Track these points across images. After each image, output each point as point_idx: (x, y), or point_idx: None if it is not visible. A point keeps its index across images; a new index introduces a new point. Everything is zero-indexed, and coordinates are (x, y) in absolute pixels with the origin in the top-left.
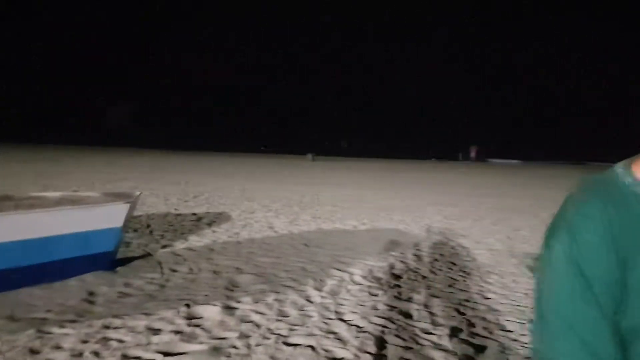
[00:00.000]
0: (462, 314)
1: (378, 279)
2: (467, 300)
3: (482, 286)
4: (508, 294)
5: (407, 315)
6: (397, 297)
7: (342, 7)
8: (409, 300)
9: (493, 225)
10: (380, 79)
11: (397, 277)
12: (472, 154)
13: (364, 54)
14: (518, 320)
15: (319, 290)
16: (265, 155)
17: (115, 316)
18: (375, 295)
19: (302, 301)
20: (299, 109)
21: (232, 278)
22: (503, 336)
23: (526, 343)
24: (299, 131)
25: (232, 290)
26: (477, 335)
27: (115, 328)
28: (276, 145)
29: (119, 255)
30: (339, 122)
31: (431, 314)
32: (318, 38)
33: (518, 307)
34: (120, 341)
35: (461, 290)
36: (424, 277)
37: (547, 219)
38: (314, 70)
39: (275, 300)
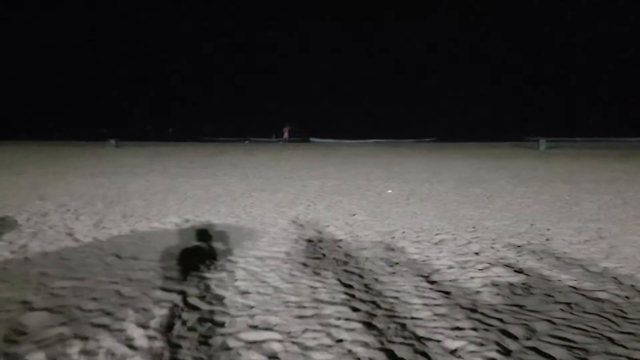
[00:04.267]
0: None
1: (220, 298)
2: None
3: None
4: None
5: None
6: (253, 326)
7: None
8: (267, 328)
9: (327, 211)
10: (189, 58)
11: (245, 293)
12: (286, 135)
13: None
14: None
15: (144, 326)
16: (59, 142)
17: None
18: (223, 324)
19: (122, 348)
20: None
21: (15, 320)
22: None
23: None
24: (98, 114)
25: (14, 343)
26: None
27: None
28: (72, 129)
29: None
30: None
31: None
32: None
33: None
34: None
35: None
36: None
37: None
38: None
39: (82, 352)
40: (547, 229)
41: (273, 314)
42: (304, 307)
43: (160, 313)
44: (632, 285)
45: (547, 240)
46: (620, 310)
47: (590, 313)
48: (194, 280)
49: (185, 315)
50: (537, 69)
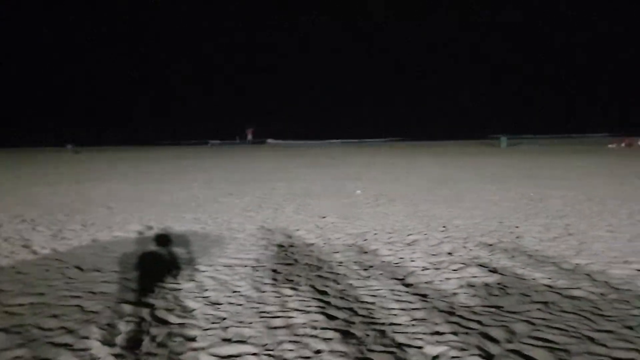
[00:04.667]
0: None
1: (190, 310)
2: None
3: None
4: None
5: None
6: (226, 340)
7: None
8: (241, 341)
9: (296, 214)
10: (159, 64)
11: (216, 303)
12: (249, 136)
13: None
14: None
15: (110, 343)
16: (15, 148)
17: None
18: (194, 339)
19: None
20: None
21: None
22: None
23: None
24: (57, 119)
25: None
26: None
27: None
28: (29, 134)
29: None
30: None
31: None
32: None
33: None
34: None
35: None
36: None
37: None
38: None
39: None
40: (516, 227)
41: (246, 326)
42: (279, 317)
43: (126, 329)
44: (606, 282)
45: (517, 238)
46: (597, 308)
47: (567, 312)
48: (162, 291)
49: (153, 330)
50: (497, 69)
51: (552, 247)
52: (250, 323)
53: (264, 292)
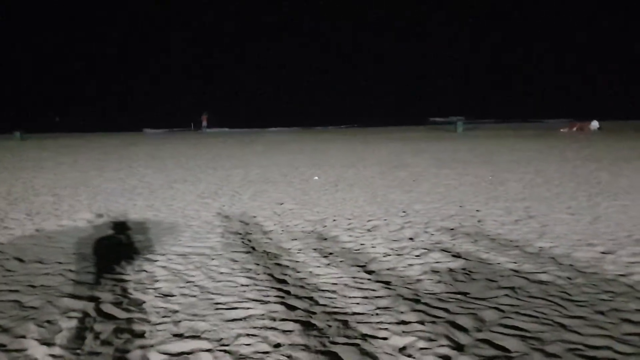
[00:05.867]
0: None
1: (139, 303)
2: None
3: None
4: None
5: None
6: (178, 335)
7: None
8: (195, 336)
9: (253, 201)
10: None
11: (167, 295)
12: (204, 123)
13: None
14: None
15: (48, 343)
16: None
17: None
18: (143, 335)
19: None
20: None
21: None
22: None
23: None
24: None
25: None
26: None
27: None
28: None
29: None
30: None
31: None
32: None
33: None
34: None
35: None
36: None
37: None
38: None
39: None
40: (477, 210)
41: (201, 319)
42: (235, 309)
43: (68, 325)
44: (571, 265)
45: (478, 221)
46: (565, 293)
47: (536, 297)
48: (109, 283)
49: (98, 327)
50: (450, 54)
51: (514, 231)
52: (205, 316)
53: (219, 282)
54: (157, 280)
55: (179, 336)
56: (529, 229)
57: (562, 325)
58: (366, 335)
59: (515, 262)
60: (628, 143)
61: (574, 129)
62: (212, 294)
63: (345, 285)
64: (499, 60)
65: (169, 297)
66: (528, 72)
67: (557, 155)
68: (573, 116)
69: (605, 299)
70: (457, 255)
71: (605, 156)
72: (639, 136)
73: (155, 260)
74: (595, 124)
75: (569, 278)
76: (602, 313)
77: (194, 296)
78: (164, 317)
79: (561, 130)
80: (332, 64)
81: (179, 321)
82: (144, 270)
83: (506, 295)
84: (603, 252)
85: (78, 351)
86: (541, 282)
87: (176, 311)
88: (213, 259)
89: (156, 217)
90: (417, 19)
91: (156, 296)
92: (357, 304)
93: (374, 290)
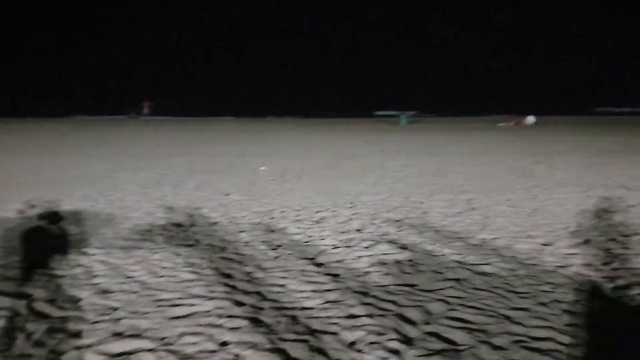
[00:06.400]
0: None
1: (74, 300)
2: None
3: None
4: None
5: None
6: (117, 334)
7: None
8: (136, 335)
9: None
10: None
11: (106, 292)
12: (145, 110)
13: None
14: None
15: None
16: None
17: None
18: (79, 334)
19: None
20: None
21: None
22: None
23: None
24: None
25: None
26: None
27: None
28: None
29: None
30: None
31: None
32: None
33: None
34: None
35: None
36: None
37: None
38: None
39: None
40: (422, 202)
41: (142, 317)
42: (179, 305)
43: None
44: (513, 257)
45: (423, 213)
46: (509, 284)
47: (481, 289)
48: (41, 279)
49: (30, 326)
50: (386, 49)
51: (457, 222)
52: (147, 313)
53: (162, 277)
54: (95, 276)
55: (119, 335)
56: (471, 220)
57: (507, 317)
58: (316, 330)
59: (459, 254)
60: (561, 137)
61: (512, 123)
62: (154, 290)
63: (294, 279)
64: (445, 57)
65: (108, 294)
66: (470, 70)
67: (496, 148)
68: (511, 111)
69: (546, 290)
70: (403, 247)
71: (541, 150)
72: (571, 130)
73: (93, 255)
74: (531, 119)
75: (512, 270)
76: (544, 304)
77: (135, 292)
78: (102, 315)
79: (499, 124)
80: (285, 56)
81: (119, 319)
82: (81, 265)
83: (452, 287)
84: (542, 244)
85: (7, 353)
86: (485, 274)
87: (115, 309)
88: (155, 253)
89: (93, 207)
90: (364, 17)
91: (94, 293)
92: (307, 298)
93: (323, 283)
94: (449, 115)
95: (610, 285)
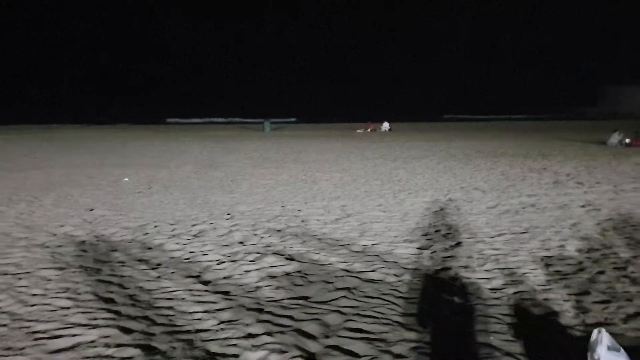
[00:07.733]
0: None
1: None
2: None
3: None
4: None
5: None
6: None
7: None
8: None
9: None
10: None
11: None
12: None
13: None
14: None
15: None
16: None
17: None
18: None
19: None
20: None
21: None
22: None
23: None
24: None
25: None
26: None
27: None
28: None
29: None
30: None
31: None
32: None
33: None
34: None
35: None
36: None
37: None
38: None
39: None
40: (299, 210)
41: (18, 353)
42: (59, 337)
43: None
44: (395, 262)
45: (302, 221)
46: (397, 291)
47: (372, 297)
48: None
49: None
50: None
51: (337, 230)
52: (22, 349)
53: (33, 306)
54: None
55: None
56: (349, 227)
57: (401, 324)
58: (215, 354)
59: (345, 262)
60: (416, 143)
61: (369, 129)
62: (27, 321)
63: (183, 299)
64: (302, 65)
65: None
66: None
67: (359, 154)
68: (367, 119)
69: (432, 293)
70: (290, 258)
71: (399, 155)
72: (423, 136)
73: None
74: (386, 125)
75: (396, 275)
76: (432, 308)
77: (4, 325)
78: None
79: (358, 130)
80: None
81: None
82: None
83: (344, 296)
84: (419, 248)
85: None
86: (373, 281)
87: None
88: (20, 279)
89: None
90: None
91: None
92: (199, 319)
93: (214, 302)
94: (312, 120)
95: (487, 285)
